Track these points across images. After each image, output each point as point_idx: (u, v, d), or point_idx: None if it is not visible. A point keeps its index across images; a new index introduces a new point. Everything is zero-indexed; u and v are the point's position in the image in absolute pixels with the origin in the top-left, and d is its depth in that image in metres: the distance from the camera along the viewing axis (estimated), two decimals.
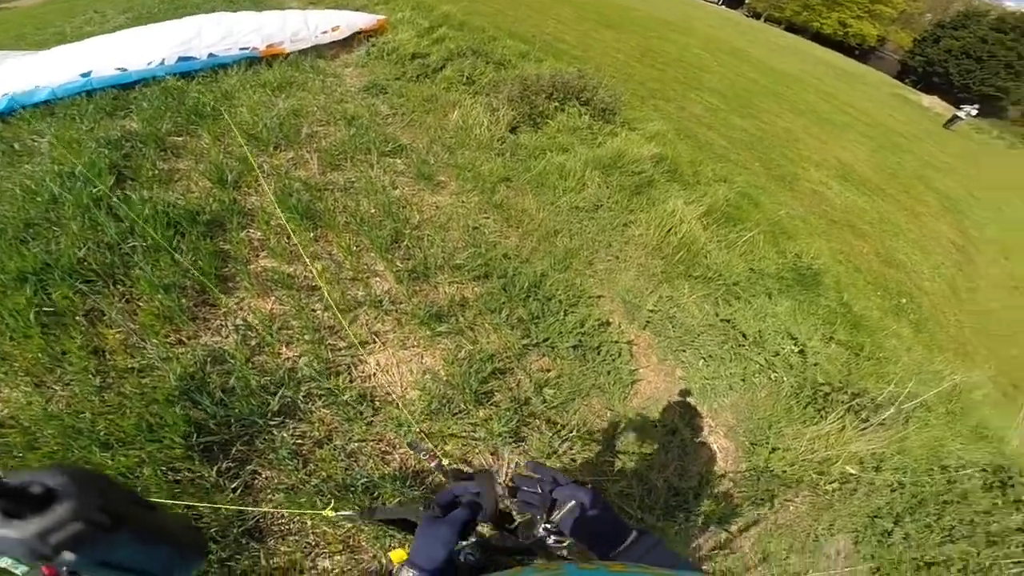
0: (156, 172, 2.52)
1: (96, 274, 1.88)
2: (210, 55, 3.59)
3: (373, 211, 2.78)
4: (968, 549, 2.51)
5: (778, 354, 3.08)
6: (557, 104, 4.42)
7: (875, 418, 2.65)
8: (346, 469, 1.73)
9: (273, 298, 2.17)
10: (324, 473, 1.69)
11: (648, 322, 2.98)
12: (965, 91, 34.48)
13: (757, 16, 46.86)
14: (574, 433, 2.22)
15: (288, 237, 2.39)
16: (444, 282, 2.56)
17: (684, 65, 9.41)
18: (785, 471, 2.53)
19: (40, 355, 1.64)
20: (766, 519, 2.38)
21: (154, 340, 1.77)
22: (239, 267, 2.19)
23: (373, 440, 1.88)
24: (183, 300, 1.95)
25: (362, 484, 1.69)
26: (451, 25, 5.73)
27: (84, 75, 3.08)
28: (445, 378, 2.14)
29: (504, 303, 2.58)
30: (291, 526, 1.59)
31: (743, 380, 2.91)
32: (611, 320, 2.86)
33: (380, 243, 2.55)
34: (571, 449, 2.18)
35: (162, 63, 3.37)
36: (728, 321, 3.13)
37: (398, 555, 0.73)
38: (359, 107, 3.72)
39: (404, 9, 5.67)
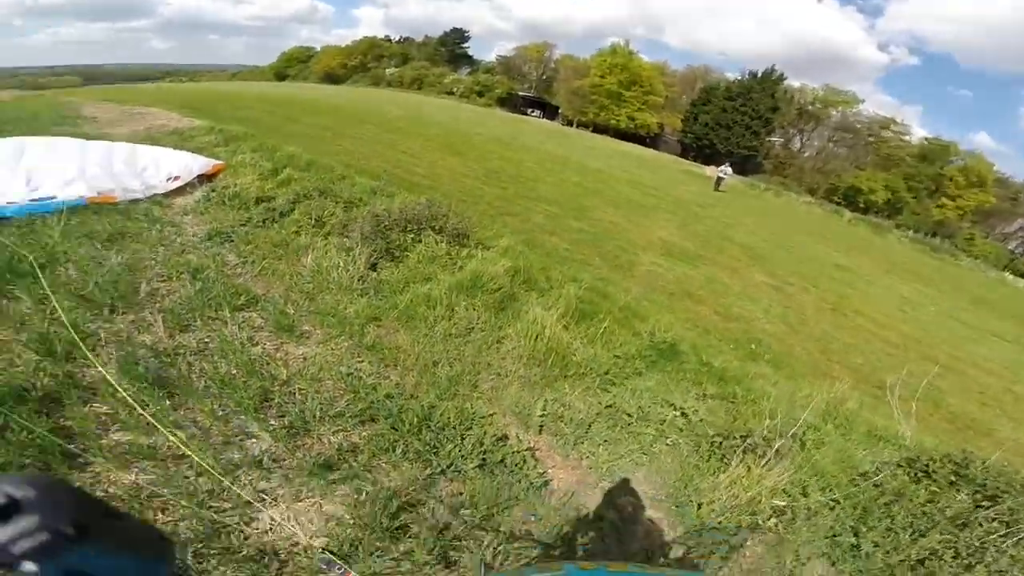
0: None
1: None
2: (31, 200, 3.39)
3: (234, 372, 2.79)
4: (945, 537, 2.85)
5: (663, 421, 3.64)
6: (413, 235, 4.87)
7: (770, 452, 3.10)
8: None
9: (135, 470, 2.06)
10: None
11: (541, 426, 3.34)
12: (729, 156, 45.40)
13: (570, 123, 59.48)
14: (503, 544, 2.34)
15: (144, 406, 2.28)
16: (327, 432, 2.63)
17: (522, 180, 11.38)
18: (720, 521, 2.86)
19: None
20: (731, 571, 2.65)
21: None
22: (88, 442, 2.07)
23: None
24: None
25: None
26: (296, 166, 6.12)
27: None
28: (352, 522, 2.16)
29: (396, 440, 2.71)
30: None
31: (644, 453, 3.35)
32: (507, 433, 3.14)
33: (248, 404, 2.56)
34: (505, 560, 2.29)
35: None
36: (611, 406, 3.65)
37: None
38: (203, 258, 3.77)
39: (244, 151, 5.96)
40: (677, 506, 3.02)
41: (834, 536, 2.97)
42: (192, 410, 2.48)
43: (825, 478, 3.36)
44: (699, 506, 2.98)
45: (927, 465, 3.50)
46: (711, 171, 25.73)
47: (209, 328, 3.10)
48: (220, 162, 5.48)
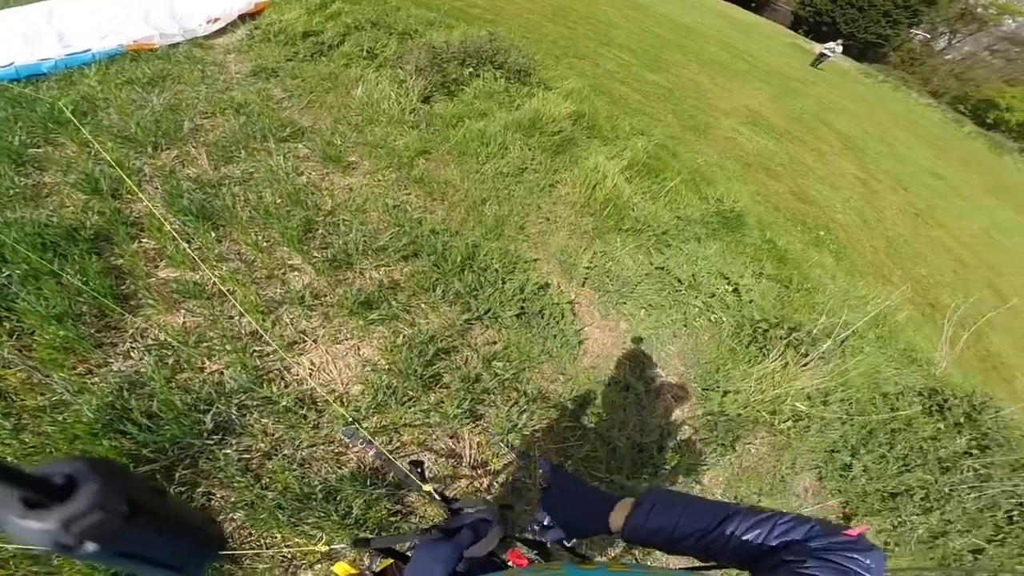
0: (18, 191, 2.39)
1: None
2: (66, 55, 3.34)
3: (279, 201, 2.80)
4: (924, 477, 2.93)
5: (714, 295, 3.51)
6: (471, 70, 4.55)
7: (814, 352, 3.05)
8: (301, 478, 1.81)
9: (183, 311, 2.18)
10: (279, 485, 1.78)
11: (586, 279, 3.28)
12: (851, 39, 38.34)
13: None
14: (531, 403, 2.44)
15: (188, 242, 2.38)
16: (370, 267, 2.67)
17: (594, 22, 9.91)
18: (740, 413, 2.90)
19: None
20: (732, 465, 2.75)
21: (60, 374, 1.77)
22: (138, 282, 2.18)
23: (323, 444, 1.97)
24: (82, 327, 1.94)
25: (320, 491, 1.78)
26: None
27: None
28: (387, 367, 2.27)
29: (438, 280, 2.73)
30: (263, 541, 1.69)
31: (685, 325, 3.30)
32: (550, 282, 3.11)
33: (291, 235, 2.59)
34: (531, 420, 2.40)
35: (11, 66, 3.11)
36: (662, 268, 3.51)
37: (343, 569, 0.81)
38: (248, 94, 3.62)
39: None
40: (704, 389, 3.03)
41: (833, 452, 2.99)
42: (236, 242, 2.54)
43: (849, 391, 3.27)
44: (724, 393, 2.99)
45: (946, 400, 3.47)
46: (821, 48, 20.79)
47: (254, 159, 3.05)
48: None
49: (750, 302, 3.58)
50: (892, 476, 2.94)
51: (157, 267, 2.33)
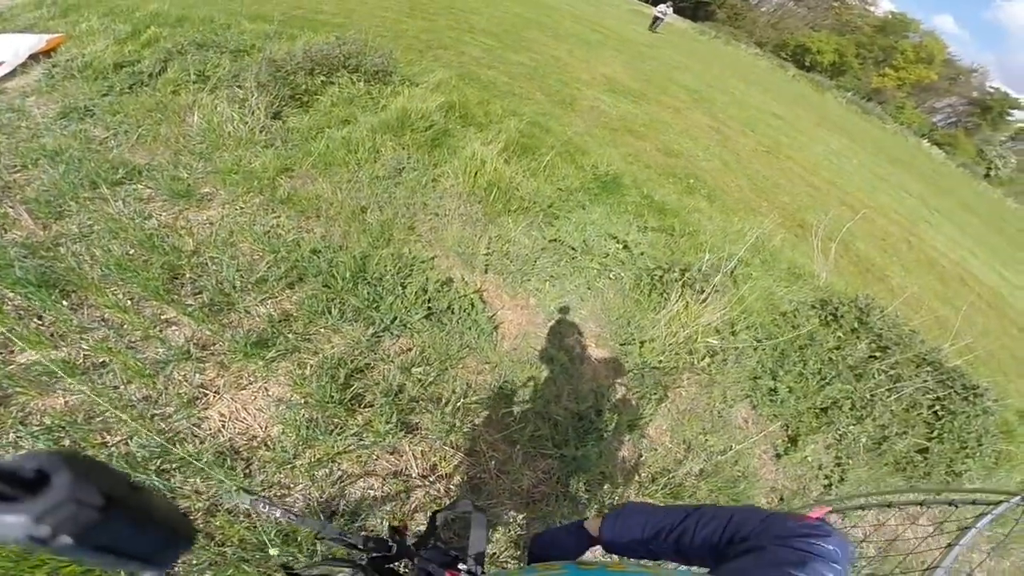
0: None
1: None
2: None
3: (131, 252, 2.49)
4: (844, 387, 3.23)
5: (608, 255, 3.70)
6: (323, 78, 4.35)
7: (708, 288, 3.29)
8: (251, 528, 1.71)
9: (59, 391, 1.91)
10: (234, 540, 1.67)
11: (487, 265, 3.30)
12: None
13: None
14: (462, 399, 2.41)
15: (39, 317, 2.05)
16: (254, 303, 2.47)
17: (455, 12, 9.94)
18: (660, 360, 3.07)
19: None
20: (669, 411, 2.91)
21: None
22: None
23: (261, 489, 1.87)
24: None
25: (277, 536, 1.70)
26: (163, 23, 5.03)
27: None
28: (302, 400, 2.14)
29: (332, 300, 2.60)
30: None
31: (589, 288, 3.45)
32: (452, 276, 3.09)
33: (155, 286, 2.32)
34: (467, 416, 2.38)
35: None
36: (556, 240, 3.63)
37: None
38: (62, 138, 3.14)
39: (90, 19, 4.78)
40: (622, 344, 3.18)
41: (755, 379, 3.26)
42: (95, 306, 2.22)
43: (751, 316, 3.62)
44: (641, 344, 3.16)
45: (836, 309, 3.92)
46: (654, 12, 22.86)
47: (87, 210, 2.66)
48: (58, 35, 4.36)
49: (641, 254, 3.83)
50: (815, 392, 3.23)
51: (12, 352, 1.98)
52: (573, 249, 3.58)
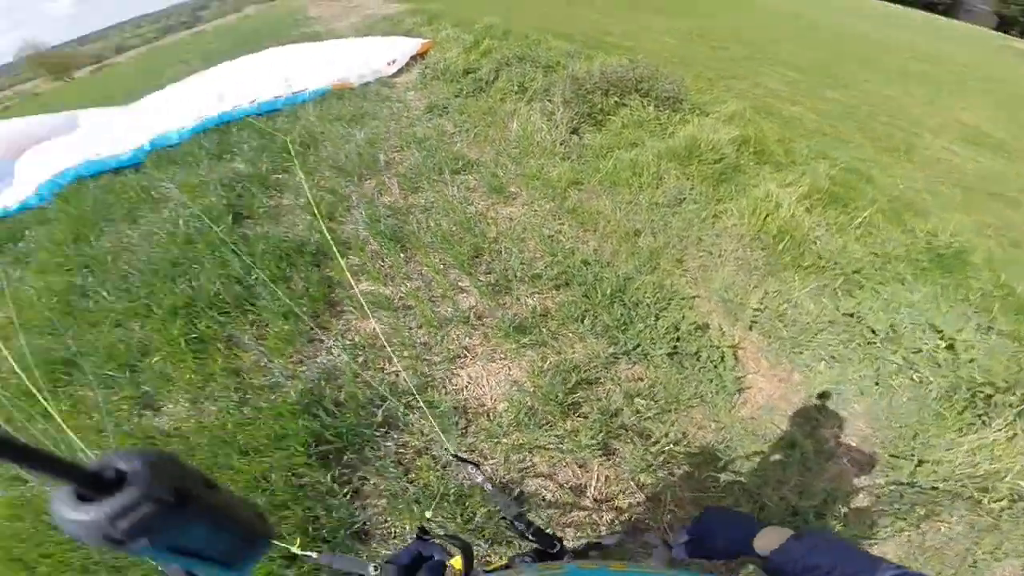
0: (265, 209, 3.14)
1: (229, 305, 2.42)
2: (291, 94, 4.46)
3: (453, 229, 3.15)
4: None
5: (919, 351, 2.89)
6: (616, 99, 4.58)
7: None
8: (440, 478, 1.98)
9: (374, 319, 2.57)
10: (422, 481, 1.97)
11: (754, 322, 2.97)
12: None
13: None
14: (672, 446, 2.29)
15: (383, 260, 2.83)
16: (525, 294, 2.81)
17: (745, 42, 9.24)
18: (936, 487, 2.36)
19: (193, 376, 2.15)
20: (910, 542, 2.25)
21: (279, 361, 2.22)
22: (343, 292, 2.67)
23: (466, 451, 2.13)
24: (300, 325, 2.42)
25: (454, 495, 1.92)
26: (495, 36, 6.23)
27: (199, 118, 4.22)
28: (532, 389, 2.36)
29: (587, 310, 2.75)
30: (394, 529, 1.88)
31: (876, 383, 2.78)
32: (709, 322, 2.90)
33: (462, 259, 2.89)
34: (667, 462, 2.25)
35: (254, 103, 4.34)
36: (852, 315, 3.01)
37: (456, 563, 0.83)
38: (427, 129, 4.24)
39: (446, 27, 6.33)
40: (893, 456, 2.48)
41: None
42: (419, 263, 2.92)
43: None
44: (919, 463, 2.40)
45: None
46: None
47: (434, 190, 3.51)
48: (427, 40, 6.02)
49: (970, 361, 2.85)
50: None
51: (359, 281, 2.79)
52: (873, 332, 2.90)
